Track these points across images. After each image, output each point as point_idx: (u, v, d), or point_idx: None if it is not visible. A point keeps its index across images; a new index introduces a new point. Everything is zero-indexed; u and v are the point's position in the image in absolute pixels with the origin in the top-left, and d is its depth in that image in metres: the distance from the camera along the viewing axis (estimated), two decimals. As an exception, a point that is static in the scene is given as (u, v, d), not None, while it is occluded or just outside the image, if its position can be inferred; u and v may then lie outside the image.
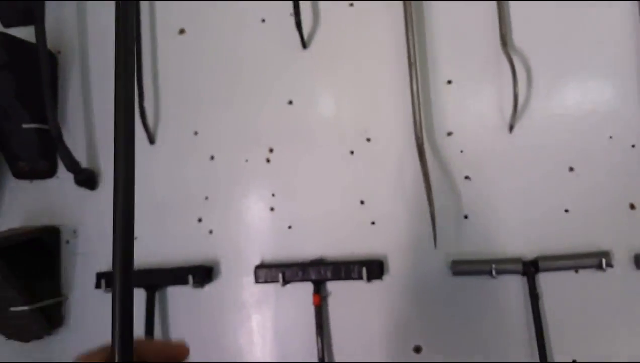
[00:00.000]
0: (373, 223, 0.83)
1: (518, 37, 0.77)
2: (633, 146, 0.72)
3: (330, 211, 0.84)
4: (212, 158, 0.90)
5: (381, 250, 0.82)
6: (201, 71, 0.92)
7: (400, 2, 0.79)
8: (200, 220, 0.90)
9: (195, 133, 0.91)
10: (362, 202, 0.83)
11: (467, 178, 0.79)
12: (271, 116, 0.88)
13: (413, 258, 0.81)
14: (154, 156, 0.92)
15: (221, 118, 0.90)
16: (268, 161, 0.88)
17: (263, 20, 0.89)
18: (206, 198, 0.90)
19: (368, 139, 0.83)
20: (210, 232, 0.89)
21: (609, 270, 0.71)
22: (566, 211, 0.75)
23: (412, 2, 0.79)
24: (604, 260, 0.70)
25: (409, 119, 0.79)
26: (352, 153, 0.84)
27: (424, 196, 0.77)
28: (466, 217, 0.79)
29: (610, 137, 0.73)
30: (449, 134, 0.80)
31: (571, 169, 0.75)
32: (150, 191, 0.91)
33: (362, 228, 0.83)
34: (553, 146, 0.75)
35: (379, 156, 0.83)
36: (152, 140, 0.93)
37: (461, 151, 0.79)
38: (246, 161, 0.89)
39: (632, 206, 0.72)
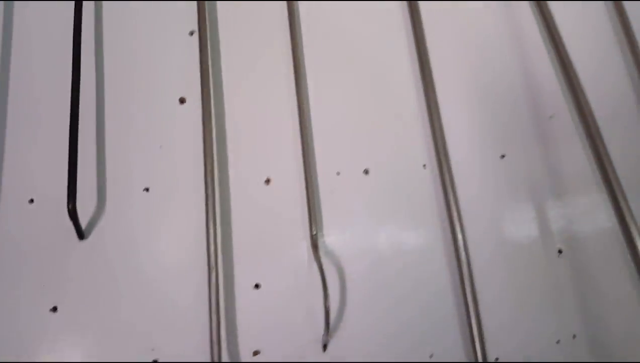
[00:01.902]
0: None
1: (331, 239, 0.70)
2: (455, 366, 0.65)
3: None
4: None
5: None
6: None
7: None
8: None
9: None
10: None
11: (281, 412, 0.64)
12: (26, 325, 0.65)
13: None
14: None
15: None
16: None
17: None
18: None
19: (154, 363, 0.64)
20: None
21: None
22: None
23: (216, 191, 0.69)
24: None
25: (205, 335, 0.63)
26: (133, 385, 0.63)
27: None
28: None
29: (431, 356, 0.65)
30: (256, 353, 0.65)
31: (395, 395, 0.64)
32: None
33: None
34: (374, 366, 0.65)
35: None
36: None
37: (272, 376, 0.65)
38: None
39: None
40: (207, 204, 0.67)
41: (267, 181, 0.73)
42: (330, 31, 0.79)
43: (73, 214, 0.66)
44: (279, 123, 0.75)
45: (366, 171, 0.73)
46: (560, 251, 0.70)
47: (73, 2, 0.78)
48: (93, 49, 0.79)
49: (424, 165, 0.74)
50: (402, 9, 0.79)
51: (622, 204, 0.61)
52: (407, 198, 0.73)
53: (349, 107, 0.76)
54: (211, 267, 0.64)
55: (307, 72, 0.77)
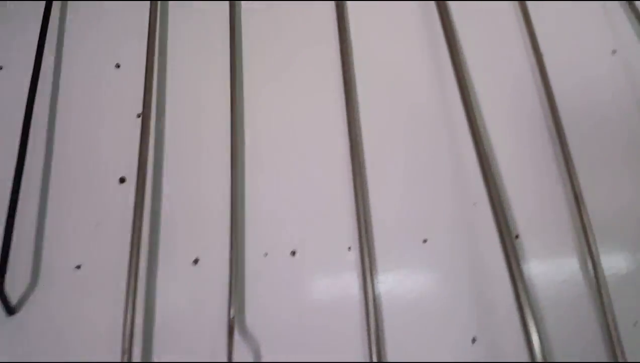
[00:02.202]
0: None
1: (254, 320, 0.72)
2: None
3: None
4: None
5: None
6: None
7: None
8: None
9: None
10: None
11: None
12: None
13: None
14: None
15: None
16: None
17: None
18: None
19: None
20: None
21: None
22: None
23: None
24: None
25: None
26: None
27: None
28: None
29: None
30: None
31: None
32: None
33: None
34: None
35: None
36: None
37: None
38: None
39: None
40: (128, 285, 0.69)
41: (196, 261, 0.75)
42: (269, 121, 0.84)
43: (0, 292, 0.69)
44: (212, 205, 0.78)
45: (293, 253, 0.76)
46: (474, 340, 0.71)
47: (29, 82, 0.84)
48: (44, 127, 0.84)
49: (349, 247, 0.76)
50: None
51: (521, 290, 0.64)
52: (331, 280, 0.75)
53: (279, 189, 0.79)
54: (124, 351, 0.65)
55: (245, 156, 0.81)
